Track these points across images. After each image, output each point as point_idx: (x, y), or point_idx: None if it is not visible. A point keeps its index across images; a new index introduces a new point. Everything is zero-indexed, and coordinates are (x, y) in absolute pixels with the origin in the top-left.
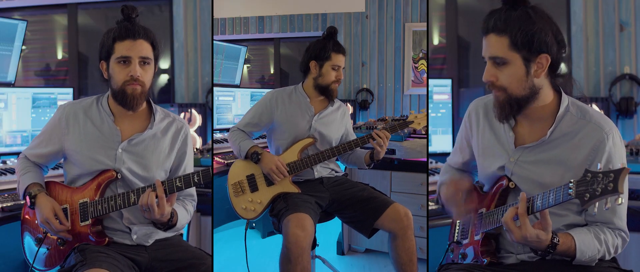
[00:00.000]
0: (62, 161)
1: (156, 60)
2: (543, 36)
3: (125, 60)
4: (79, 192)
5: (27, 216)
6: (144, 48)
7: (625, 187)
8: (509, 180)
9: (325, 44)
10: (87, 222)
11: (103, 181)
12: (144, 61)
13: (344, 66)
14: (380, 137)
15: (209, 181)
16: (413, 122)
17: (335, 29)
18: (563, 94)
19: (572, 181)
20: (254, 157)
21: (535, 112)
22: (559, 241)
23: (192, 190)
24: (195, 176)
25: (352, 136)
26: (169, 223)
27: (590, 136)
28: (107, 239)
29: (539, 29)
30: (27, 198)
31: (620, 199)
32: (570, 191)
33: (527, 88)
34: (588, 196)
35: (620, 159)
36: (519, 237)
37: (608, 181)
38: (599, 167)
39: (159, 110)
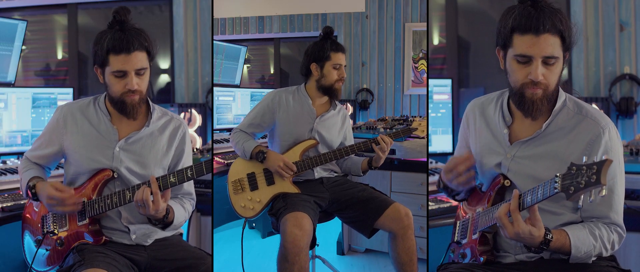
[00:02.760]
0: (62, 161)
1: (152, 60)
2: (574, 34)
3: (121, 74)
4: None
5: (28, 215)
6: (139, 60)
7: (621, 180)
8: (505, 178)
9: (323, 45)
10: (84, 222)
11: (100, 180)
12: (139, 72)
13: (345, 64)
14: (385, 143)
15: (202, 174)
16: (417, 129)
17: (332, 28)
18: (560, 89)
19: (557, 175)
20: (259, 156)
21: None
22: (552, 238)
23: (191, 188)
24: (188, 171)
25: (350, 141)
26: (165, 220)
27: (587, 131)
28: (104, 238)
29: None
30: (29, 193)
31: (603, 190)
32: (556, 185)
33: (558, 83)
34: (572, 189)
35: (616, 155)
36: (512, 233)
37: (591, 173)
38: (584, 160)
39: (156, 109)
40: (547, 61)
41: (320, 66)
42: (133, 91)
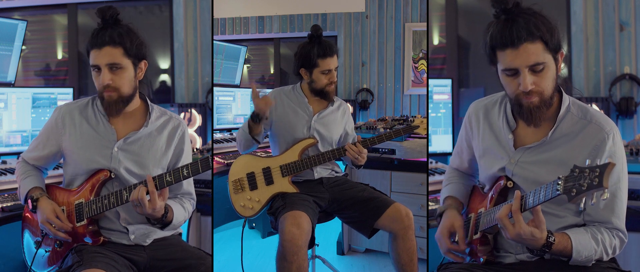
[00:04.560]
0: (61, 161)
1: (138, 58)
2: (558, 32)
3: (97, 69)
4: (75, 194)
5: (27, 215)
6: (111, 54)
7: (624, 185)
8: (508, 179)
9: (310, 51)
10: (82, 223)
11: (97, 181)
12: (112, 67)
13: (336, 66)
14: (353, 150)
15: (198, 173)
16: (419, 126)
17: (319, 28)
18: (564, 93)
19: (560, 177)
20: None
21: None
22: (554, 240)
23: (191, 188)
24: (184, 170)
25: (352, 135)
26: (164, 220)
27: (591, 136)
28: (102, 238)
29: (556, 26)
30: (29, 201)
31: (605, 193)
32: (558, 186)
33: (555, 86)
34: (574, 191)
35: (620, 160)
36: (514, 234)
37: (594, 176)
38: (587, 163)
39: (155, 109)
40: (534, 68)
41: (309, 72)
42: (106, 86)
